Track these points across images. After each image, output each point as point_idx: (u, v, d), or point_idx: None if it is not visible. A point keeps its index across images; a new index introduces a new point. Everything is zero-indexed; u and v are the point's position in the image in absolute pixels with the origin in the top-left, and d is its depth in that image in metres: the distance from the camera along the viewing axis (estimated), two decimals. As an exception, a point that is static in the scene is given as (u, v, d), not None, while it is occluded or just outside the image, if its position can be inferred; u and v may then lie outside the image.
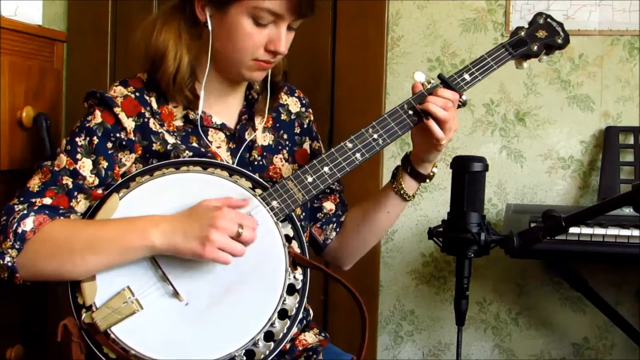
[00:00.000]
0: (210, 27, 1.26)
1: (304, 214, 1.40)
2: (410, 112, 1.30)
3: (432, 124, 1.26)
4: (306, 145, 1.47)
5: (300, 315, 1.23)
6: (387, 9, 2.07)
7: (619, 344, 2.00)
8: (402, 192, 1.36)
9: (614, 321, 1.86)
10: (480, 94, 2.03)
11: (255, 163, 1.36)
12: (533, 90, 2.01)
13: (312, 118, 1.51)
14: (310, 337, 1.37)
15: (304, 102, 1.49)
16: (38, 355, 1.73)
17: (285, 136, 1.43)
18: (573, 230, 1.58)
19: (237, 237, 1.14)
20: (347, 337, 2.00)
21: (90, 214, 1.22)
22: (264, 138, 1.39)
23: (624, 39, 1.97)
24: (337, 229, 1.46)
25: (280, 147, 1.41)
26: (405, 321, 2.13)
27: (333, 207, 1.47)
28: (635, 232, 1.58)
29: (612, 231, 1.59)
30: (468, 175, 1.13)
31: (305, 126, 1.48)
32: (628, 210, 1.57)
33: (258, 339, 1.17)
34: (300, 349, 1.34)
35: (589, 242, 1.60)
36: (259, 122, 1.39)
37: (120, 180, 1.24)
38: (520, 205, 1.94)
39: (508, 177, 2.04)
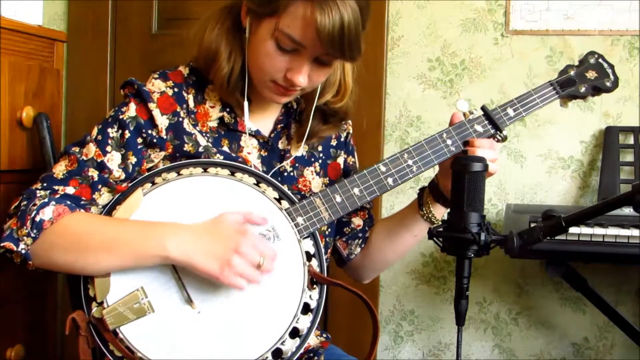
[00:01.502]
0: (247, 35, 1.23)
1: (329, 229, 1.38)
2: (449, 141, 1.28)
3: None
4: (340, 159, 1.43)
5: (312, 334, 1.21)
6: (387, 9, 2.07)
7: (619, 344, 2.01)
8: (432, 218, 1.35)
9: (614, 321, 1.86)
10: (481, 94, 2.03)
11: (285, 174, 1.33)
12: (533, 90, 2.01)
13: (350, 131, 1.47)
14: (311, 339, 1.35)
15: None
16: (38, 355, 1.73)
17: (320, 148, 1.39)
18: (573, 230, 1.58)
19: (257, 267, 1.13)
20: (347, 337, 2.01)
21: (111, 206, 1.20)
22: (297, 148, 1.35)
23: (624, 39, 1.97)
24: (362, 245, 1.45)
25: (313, 160, 1.38)
26: (405, 321, 2.13)
27: (361, 223, 1.45)
28: (635, 232, 1.58)
29: (612, 231, 1.59)
30: (468, 175, 1.12)
31: (342, 139, 1.44)
32: (628, 210, 1.57)
33: (267, 357, 1.15)
34: (302, 351, 1.33)
35: (589, 242, 1.60)
36: (295, 137, 1.35)
37: (145, 174, 1.22)
38: (520, 205, 1.94)
39: (508, 177, 2.04)
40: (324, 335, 1.39)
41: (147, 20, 2.18)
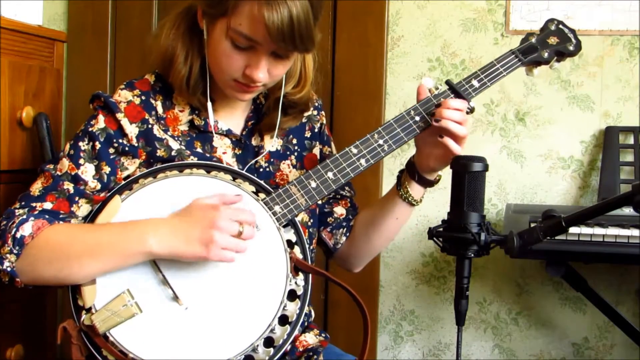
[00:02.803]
0: (205, 37, 1.24)
1: (312, 220, 1.39)
2: (417, 117, 1.29)
3: (449, 141, 1.25)
4: (316, 150, 1.44)
5: (301, 321, 1.22)
6: (387, 9, 2.07)
7: (619, 344, 2.01)
8: (409, 198, 1.36)
9: (614, 321, 1.86)
10: (481, 94, 2.03)
11: (261, 170, 1.34)
12: (533, 90, 2.01)
13: (324, 121, 1.47)
14: (310, 338, 1.36)
15: (316, 104, 1.46)
16: (38, 355, 1.73)
17: (294, 141, 1.40)
18: (573, 230, 1.58)
19: (238, 235, 1.14)
20: (347, 337, 2.01)
21: (92, 216, 1.22)
22: (271, 143, 1.36)
23: (624, 39, 1.97)
24: (347, 234, 1.45)
25: (288, 153, 1.39)
26: (405, 321, 2.13)
27: (344, 212, 1.46)
28: (635, 232, 1.58)
29: (612, 231, 1.59)
30: (468, 175, 1.13)
31: (316, 130, 1.45)
32: (628, 210, 1.57)
33: (257, 345, 1.16)
34: (301, 349, 1.34)
35: (589, 242, 1.60)
36: (268, 136, 1.36)
37: (123, 182, 1.23)
38: (520, 205, 1.94)
39: (508, 177, 2.04)
40: (323, 335, 1.40)
41: (147, 20, 2.18)
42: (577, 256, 1.68)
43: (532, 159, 2.03)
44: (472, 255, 1.13)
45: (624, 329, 1.85)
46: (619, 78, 1.97)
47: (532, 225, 1.21)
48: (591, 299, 1.85)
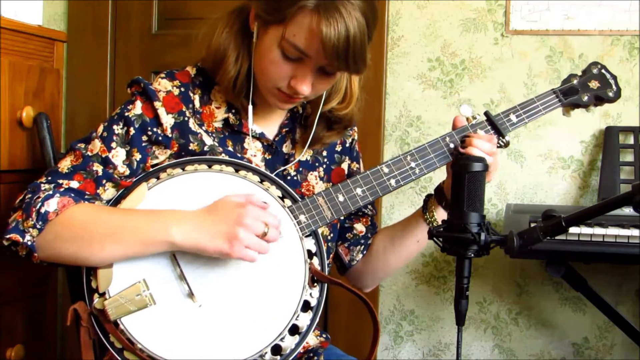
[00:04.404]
0: (254, 40, 1.23)
1: (332, 234, 1.38)
2: (452, 145, 1.29)
3: None
4: (344, 165, 1.43)
5: (311, 332, 1.21)
6: (387, 9, 2.07)
7: (619, 344, 2.01)
8: (433, 223, 1.35)
9: (614, 321, 1.86)
10: (481, 94, 2.03)
11: (289, 178, 1.34)
12: (533, 90, 2.01)
13: (355, 137, 1.47)
14: (311, 339, 1.36)
15: None
16: (38, 355, 1.73)
17: (324, 153, 1.40)
18: (573, 230, 1.58)
19: (262, 236, 1.13)
20: (347, 337, 2.01)
21: (115, 200, 1.21)
22: (301, 153, 1.35)
23: (624, 39, 1.97)
24: (364, 252, 1.45)
25: (317, 165, 1.38)
26: (405, 321, 2.13)
27: (363, 229, 1.45)
28: (635, 232, 1.58)
29: (612, 231, 1.59)
30: (468, 175, 1.13)
31: (347, 145, 1.44)
32: (628, 210, 1.57)
33: (265, 352, 1.16)
34: (302, 351, 1.33)
35: (589, 242, 1.60)
36: (300, 142, 1.36)
37: (150, 170, 1.23)
38: (520, 205, 1.94)
39: (508, 177, 2.04)
40: (324, 336, 1.39)
41: (147, 20, 2.18)
42: (577, 256, 1.68)
43: (532, 159, 2.03)
44: (472, 255, 1.13)
45: (624, 329, 1.85)
46: (619, 78, 1.94)
47: (532, 225, 1.21)
48: (591, 299, 1.85)
